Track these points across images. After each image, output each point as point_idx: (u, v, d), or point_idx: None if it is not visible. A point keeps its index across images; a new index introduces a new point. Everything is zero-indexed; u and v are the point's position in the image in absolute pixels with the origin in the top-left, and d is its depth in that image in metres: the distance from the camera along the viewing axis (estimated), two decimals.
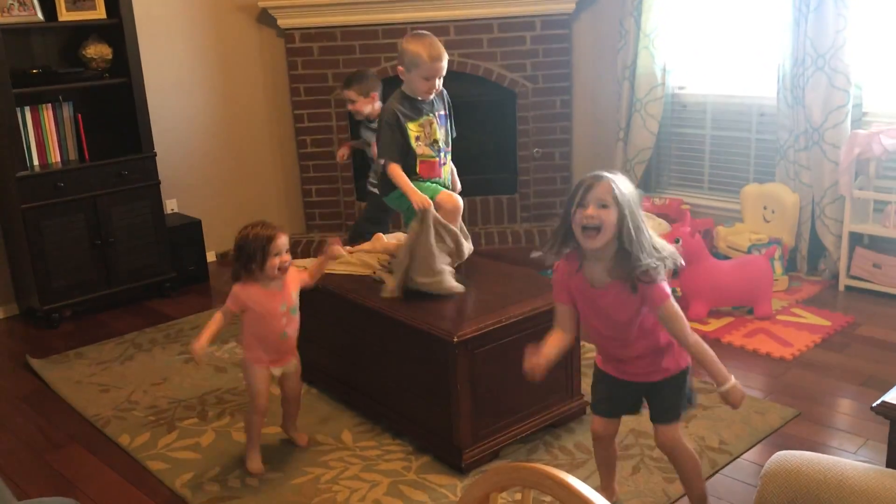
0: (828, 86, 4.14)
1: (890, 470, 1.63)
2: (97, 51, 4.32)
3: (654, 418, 2.34)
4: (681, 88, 5.03)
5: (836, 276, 4.28)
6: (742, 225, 4.59)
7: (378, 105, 3.93)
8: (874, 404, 1.82)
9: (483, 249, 5.17)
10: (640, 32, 4.82)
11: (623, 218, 2.00)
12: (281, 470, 2.84)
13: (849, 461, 1.66)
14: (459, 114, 5.30)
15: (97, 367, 3.75)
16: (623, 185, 2.04)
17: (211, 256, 5.16)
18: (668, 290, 2.12)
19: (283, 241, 2.64)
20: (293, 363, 2.85)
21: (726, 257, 4.31)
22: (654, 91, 4.87)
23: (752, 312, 3.93)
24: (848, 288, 4.21)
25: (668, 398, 2.29)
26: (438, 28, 4.94)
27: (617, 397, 2.36)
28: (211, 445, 3.03)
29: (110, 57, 4.35)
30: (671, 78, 4.95)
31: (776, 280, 4.16)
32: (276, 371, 2.82)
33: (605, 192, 2.00)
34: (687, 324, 2.14)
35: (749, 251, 4.23)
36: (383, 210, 3.83)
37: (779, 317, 3.91)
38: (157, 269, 4.55)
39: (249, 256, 2.62)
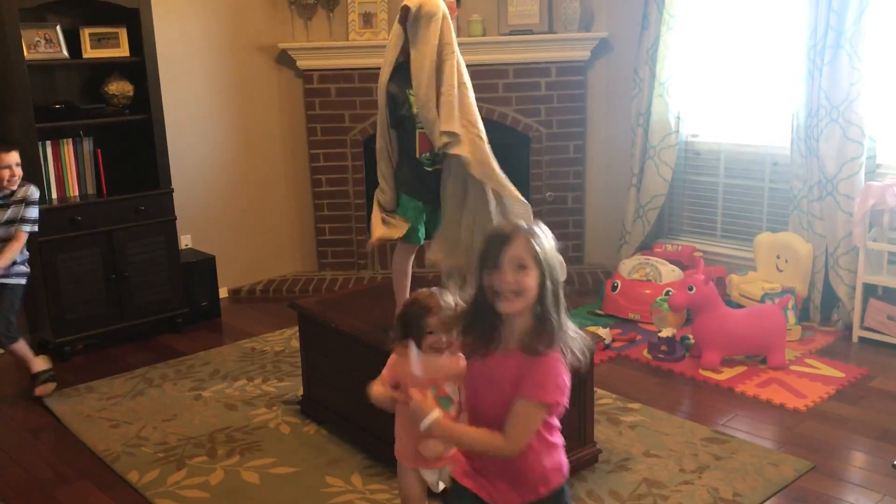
0: (842, 137, 4.17)
1: None
2: (119, 88, 4.39)
3: None
4: (694, 136, 5.06)
5: (849, 327, 4.26)
6: (755, 273, 4.58)
7: None
8: None
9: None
10: (655, 80, 4.87)
11: (544, 281, 1.68)
12: None
13: None
14: None
15: (108, 402, 3.75)
16: (544, 241, 1.71)
17: (224, 292, 5.18)
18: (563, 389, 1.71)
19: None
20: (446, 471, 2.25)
21: (739, 306, 4.30)
22: (668, 138, 4.90)
23: (765, 362, 3.91)
24: (862, 339, 4.18)
25: None
26: None
27: None
28: (220, 484, 3.01)
29: (132, 94, 4.42)
30: (685, 126, 4.98)
31: (789, 330, 4.14)
32: (428, 476, 2.33)
33: (519, 252, 1.68)
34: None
35: (762, 300, 4.22)
36: None
37: (792, 367, 3.89)
38: (170, 304, 4.57)
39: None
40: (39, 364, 3.84)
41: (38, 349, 4.37)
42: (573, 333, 1.73)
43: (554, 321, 1.68)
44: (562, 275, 1.75)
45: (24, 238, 3.69)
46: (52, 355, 4.19)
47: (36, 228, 3.75)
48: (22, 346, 3.80)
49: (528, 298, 1.67)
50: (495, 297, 1.68)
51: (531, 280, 1.66)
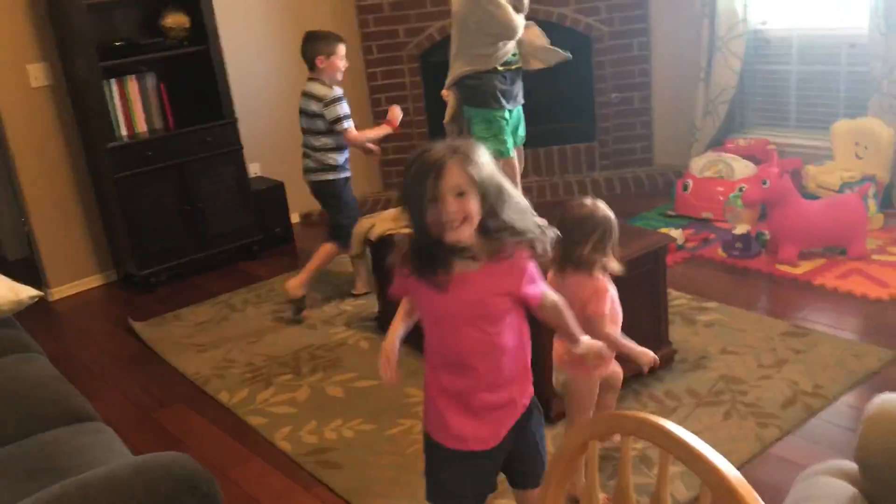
0: None
1: None
2: (175, 20, 4.41)
3: (525, 480, 1.87)
4: (763, 23, 4.82)
5: None
6: (833, 163, 4.41)
7: None
8: None
9: (563, 200, 5.13)
10: None
11: (486, 197, 1.62)
12: (375, 422, 2.92)
13: None
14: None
15: (194, 328, 3.91)
16: (472, 159, 1.61)
17: (295, 218, 5.27)
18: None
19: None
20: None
21: (816, 198, 4.17)
22: (736, 27, 4.69)
23: (845, 253, 3.80)
24: None
25: (538, 440, 1.85)
26: None
27: (474, 478, 1.80)
28: (307, 400, 3.14)
29: (188, 26, 4.44)
30: (753, 13, 4.75)
31: (870, 218, 4.00)
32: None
33: (456, 178, 1.59)
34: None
35: (841, 190, 4.08)
36: None
37: (874, 256, 3.77)
38: (244, 231, 4.68)
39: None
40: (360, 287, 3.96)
41: (124, 282, 4.58)
42: (528, 224, 1.67)
43: (507, 230, 1.64)
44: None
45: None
46: (137, 288, 4.39)
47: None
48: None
49: (475, 222, 1.62)
50: (442, 228, 1.60)
51: (474, 204, 1.60)
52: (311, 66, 3.70)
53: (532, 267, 1.70)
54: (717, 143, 4.92)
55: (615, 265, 2.22)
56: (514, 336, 1.72)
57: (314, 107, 3.68)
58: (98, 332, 4.06)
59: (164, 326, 3.97)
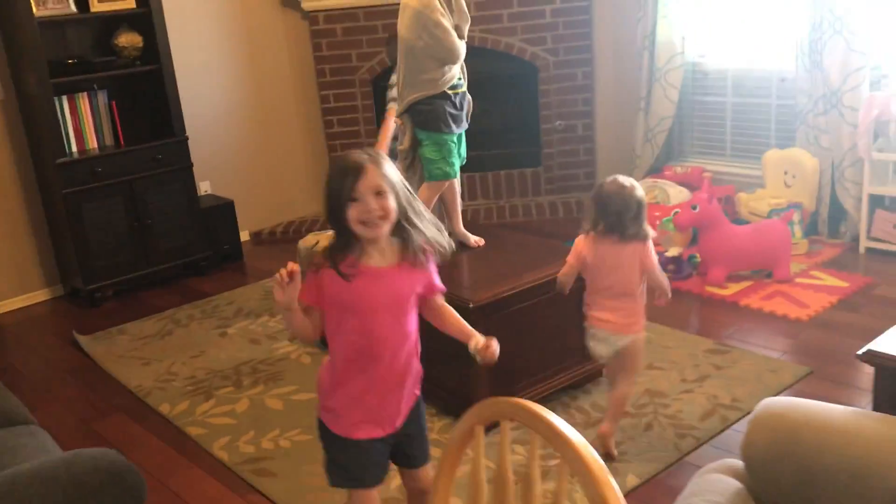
0: (845, 49, 4.15)
1: (871, 412, 1.71)
2: (129, 40, 4.48)
3: (417, 460, 2.03)
4: (701, 57, 5.05)
5: (856, 239, 4.31)
6: (764, 191, 4.63)
7: None
8: (859, 352, 1.91)
9: (508, 222, 5.29)
10: (658, 2, 4.85)
11: (399, 199, 1.81)
12: (312, 433, 2.99)
13: (834, 405, 1.74)
14: (482, 89, 5.40)
15: (139, 342, 3.95)
16: (387, 165, 1.81)
17: (245, 235, 5.34)
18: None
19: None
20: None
21: (746, 223, 4.36)
22: (674, 60, 4.91)
23: (771, 276, 3.99)
24: (869, 250, 4.24)
25: (424, 424, 2.03)
26: None
27: (374, 462, 1.94)
28: (245, 412, 3.20)
29: (141, 45, 4.51)
30: (691, 47, 4.98)
31: (796, 243, 4.21)
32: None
33: (376, 180, 1.77)
34: None
35: (769, 216, 4.27)
36: None
37: (798, 279, 3.96)
38: (193, 248, 4.74)
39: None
40: None
41: (70, 297, 4.60)
42: (435, 232, 1.87)
43: (419, 229, 1.83)
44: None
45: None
46: (83, 302, 4.41)
47: None
48: None
49: (393, 219, 1.79)
50: (363, 226, 1.76)
51: (392, 202, 1.77)
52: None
53: (434, 266, 1.93)
54: (655, 171, 5.12)
55: (651, 230, 2.61)
56: (414, 329, 1.91)
57: None
58: (42, 345, 4.07)
59: (108, 340, 4.00)
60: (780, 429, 1.69)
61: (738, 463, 1.81)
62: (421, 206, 1.86)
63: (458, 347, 2.86)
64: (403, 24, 3.06)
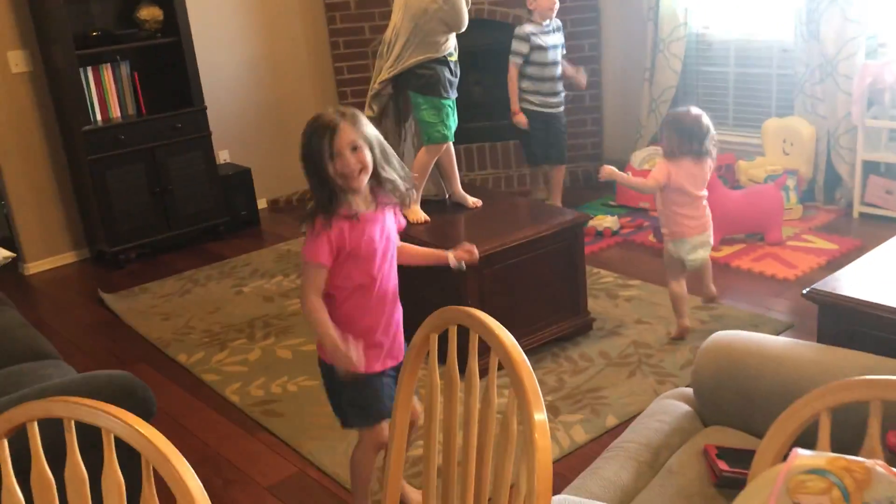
0: (841, 18, 4.25)
1: (804, 342, 1.89)
2: (150, 13, 4.69)
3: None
4: (705, 28, 5.16)
5: (851, 204, 4.43)
6: (763, 158, 4.75)
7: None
8: (805, 291, 2.07)
9: (517, 191, 5.45)
10: None
11: (373, 151, 1.99)
12: (317, 379, 3.20)
13: (774, 337, 1.92)
14: (492, 61, 5.55)
15: (159, 300, 4.19)
16: (360, 120, 1.99)
17: (262, 203, 5.56)
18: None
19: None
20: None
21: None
22: (677, 31, 5.02)
23: (763, 239, 4.13)
24: (862, 215, 4.36)
25: None
26: None
27: (387, 395, 2.12)
28: (257, 360, 3.43)
29: (161, 18, 4.72)
30: (694, 18, 5.08)
31: (790, 209, 4.34)
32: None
33: (350, 135, 1.94)
34: None
35: (765, 182, 4.40)
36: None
37: (789, 243, 4.10)
38: (211, 213, 4.96)
39: None
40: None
41: (96, 259, 4.85)
42: (400, 178, 2.07)
43: (393, 177, 2.04)
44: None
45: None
46: (108, 264, 4.66)
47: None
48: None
49: (370, 170, 1.98)
50: (344, 179, 1.95)
51: (368, 155, 1.96)
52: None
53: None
54: (659, 140, 5.24)
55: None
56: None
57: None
58: (69, 302, 4.33)
59: (131, 298, 4.25)
60: (725, 358, 1.87)
61: (689, 391, 1.99)
62: (390, 152, 2.06)
63: (448, 302, 3.06)
64: None
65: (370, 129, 2.00)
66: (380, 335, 2.12)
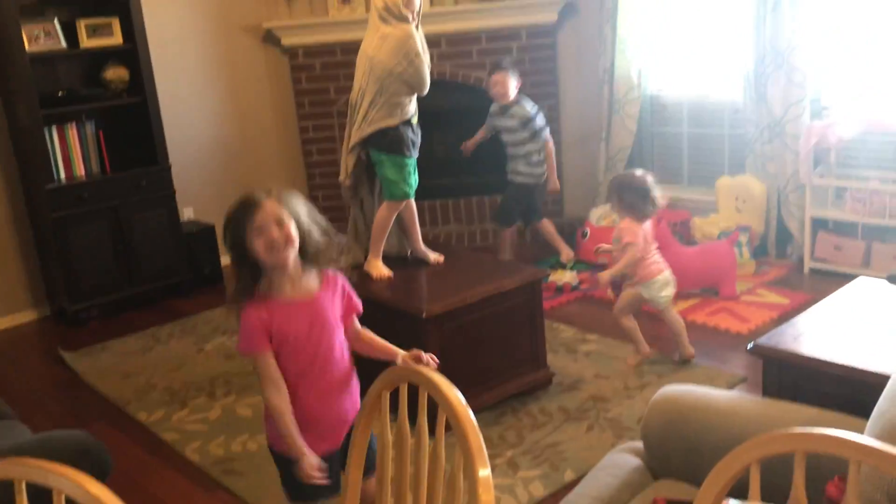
0: (787, 82, 4.45)
1: (749, 395, 1.95)
2: (116, 73, 4.76)
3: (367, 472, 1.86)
4: (659, 90, 5.35)
5: (802, 260, 4.56)
6: (716, 215, 4.89)
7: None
8: (749, 346, 2.15)
9: (479, 246, 5.54)
10: (617, 38, 5.16)
11: (300, 226, 1.98)
12: None
13: (720, 391, 1.99)
14: (454, 120, 5.69)
15: (121, 358, 4.16)
16: (285, 196, 1.99)
17: (225, 260, 5.57)
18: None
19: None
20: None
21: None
22: (632, 93, 5.20)
23: (718, 294, 4.23)
24: (812, 270, 4.50)
25: (373, 436, 1.84)
26: (431, 41, 5.24)
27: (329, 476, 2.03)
28: (218, 419, 3.42)
29: (128, 78, 4.78)
30: (649, 80, 5.28)
31: (743, 264, 4.46)
32: None
33: (273, 211, 1.94)
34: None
35: (719, 238, 4.53)
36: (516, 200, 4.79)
37: (743, 297, 4.21)
38: (174, 271, 4.97)
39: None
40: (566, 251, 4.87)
41: (57, 317, 4.82)
42: (335, 248, 2.05)
43: (322, 249, 2.00)
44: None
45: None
46: (69, 322, 4.63)
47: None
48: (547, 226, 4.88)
49: (296, 245, 1.95)
50: (269, 253, 1.92)
51: (293, 230, 1.94)
52: None
53: (347, 283, 2.09)
54: (611, 204, 5.37)
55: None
56: (342, 346, 2.08)
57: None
58: (28, 362, 4.28)
59: (92, 356, 4.22)
60: (673, 411, 1.93)
61: (640, 444, 2.04)
62: (316, 234, 2.01)
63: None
64: (384, 51, 3.27)
65: (300, 206, 1.99)
66: (324, 426, 2.06)
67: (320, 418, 2.05)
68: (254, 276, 1.97)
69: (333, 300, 2.06)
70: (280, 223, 1.93)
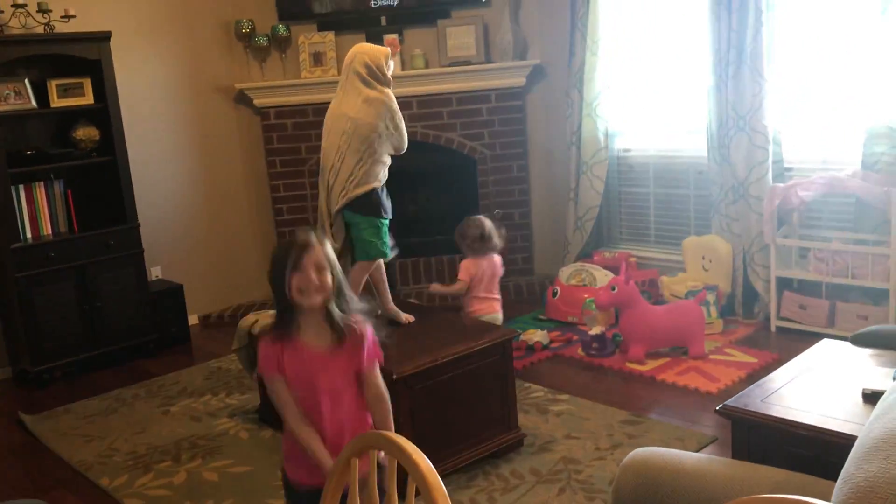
0: (749, 144, 4.56)
1: (718, 458, 1.96)
2: (86, 133, 4.75)
3: None
4: (626, 151, 5.46)
5: (768, 319, 4.62)
6: (684, 274, 4.95)
7: None
8: (717, 408, 2.16)
9: (451, 304, 5.53)
10: (584, 102, 5.28)
11: (334, 279, 2.06)
12: (245, 502, 3.14)
13: (690, 453, 1.99)
14: (425, 179, 5.75)
15: (83, 421, 4.07)
16: (328, 247, 2.09)
17: (194, 319, 5.51)
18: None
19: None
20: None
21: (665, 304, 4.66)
22: (599, 154, 5.30)
23: (687, 353, 4.26)
24: (779, 329, 4.55)
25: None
26: (402, 103, 5.30)
27: None
28: (183, 484, 3.34)
29: (98, 138, 4.78)
30: (615, 142, 5.39)
31: (710, 323, 4.50)
32: None
33: (319, 257, 2.03)
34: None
35: (686, 297, 4.58)
36: None
37: (711, 356, 4.24)
38: (141, 330, 4.90)
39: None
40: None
41: (17, 379, 4.71)
42: (360, 307, 2.13)
43: (347, 305, 2.08)
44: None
45: None
46: (30, 384, 4.52)
47: None
48: None
49: (327, 294, 2.04)
50: (300, 294, 2.01)
51: (328, 279, 2.03)
52: None
53: (373, 334, 2.13)
54: (586, 256, 5.44)
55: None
56: (353, 396, 2.12)
57: None
58: None
59: (53, 419, 4.11)
60: (643, 474, 1.93)
61: None
62: (348, 291, 2.11)
63: None
64: (371, 113, 3.31)
65: (335, 259, 2.09)
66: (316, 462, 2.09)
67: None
68: (284, 312, 2.06)
69: (352, 355, 2.09)
70: (320, 269, 2.02)
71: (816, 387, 2.27)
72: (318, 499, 2.06)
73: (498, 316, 4.04)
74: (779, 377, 2.37)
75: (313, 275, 2.01)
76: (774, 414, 2.08)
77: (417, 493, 1.32)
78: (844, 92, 4.40)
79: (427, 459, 1.29)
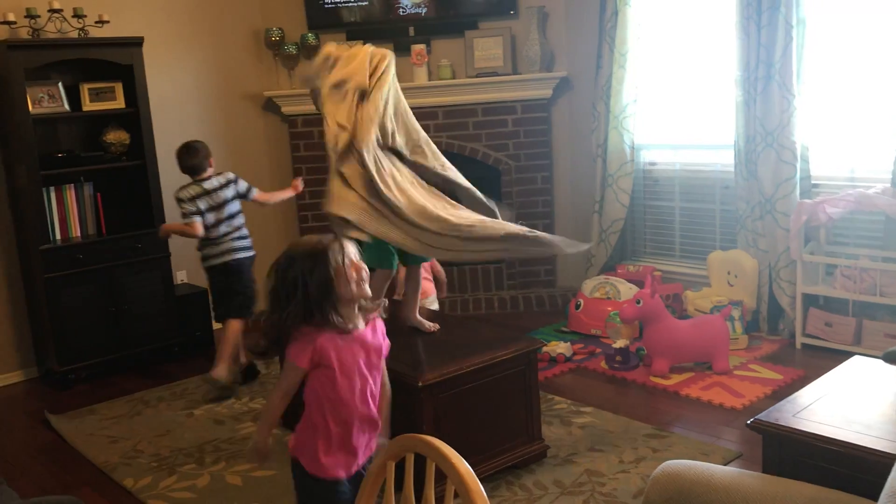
0: (776, 160, 4.54)
1: (750, 472, 1.94)
2: (116, 137, 4.81)
3: None
4: (652, 164, 5.45)
5: (793, 335, 4.58)
6: (709, 289, 4.93)
7: None
8: (748, 421, 2.15)
9: (472, 314, 5.54)
10: (610, 114, 5.28)
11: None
12: None
13: (721, 467, 1.98)
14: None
15: (108, 422, 4.10)
16: (343, 239, 2.22)
17: (217, 324, 5.53)
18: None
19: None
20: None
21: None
22: (625, 167, 5.29)
23: (711, 368, 4.24)
24: (804, 346, 4.51)
25: None
26: (428, 113, 5.42)
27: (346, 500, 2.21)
28: (206, 487, 3.35)
29: (128, 142, 4.84)
30: (641, 155, 5.38)
31: (735, 339, 4.47)
32: None
33: (353, 249, 2.18)
34: None
35: (711, 312, 4.55)
36: None
37: (736, 372, 4.21)
38: (166, 334, 4.94)
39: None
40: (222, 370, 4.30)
41: (44, 379, 4.76)
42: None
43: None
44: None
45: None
46: (56, 384, 4.57)
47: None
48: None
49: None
50: (360, 287, 2.13)
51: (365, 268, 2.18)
52: (204, 168, 4.36)
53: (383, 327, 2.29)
54: (609, 269, 5.43)
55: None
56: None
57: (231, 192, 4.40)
58: (15, 423, 4.21)
59: (78, 419, 4.15)
60: (673, 488, 1.92)
61: None
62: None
63: (403, 424, 3.07)
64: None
65: (352, 245, 2.20)
66: (349, 442, 2.19)
67: (363, 447, 2.24)
68: (323, 310, 2.11)
69: (375, 334, 2.25)
70: (360, 264, 2.16)
71: (849, 403, 2.25)
72: (331, 491, 2.15)
73: (432, 298, 4.09)
74: (810, 393, 2.35)
75: (353, 270, 2.13)
76: (807, 429, 2.07)
77: (456, 496, 1.32)
78: (873, 108, 4.38)
79: (466, 464, 1.29)
